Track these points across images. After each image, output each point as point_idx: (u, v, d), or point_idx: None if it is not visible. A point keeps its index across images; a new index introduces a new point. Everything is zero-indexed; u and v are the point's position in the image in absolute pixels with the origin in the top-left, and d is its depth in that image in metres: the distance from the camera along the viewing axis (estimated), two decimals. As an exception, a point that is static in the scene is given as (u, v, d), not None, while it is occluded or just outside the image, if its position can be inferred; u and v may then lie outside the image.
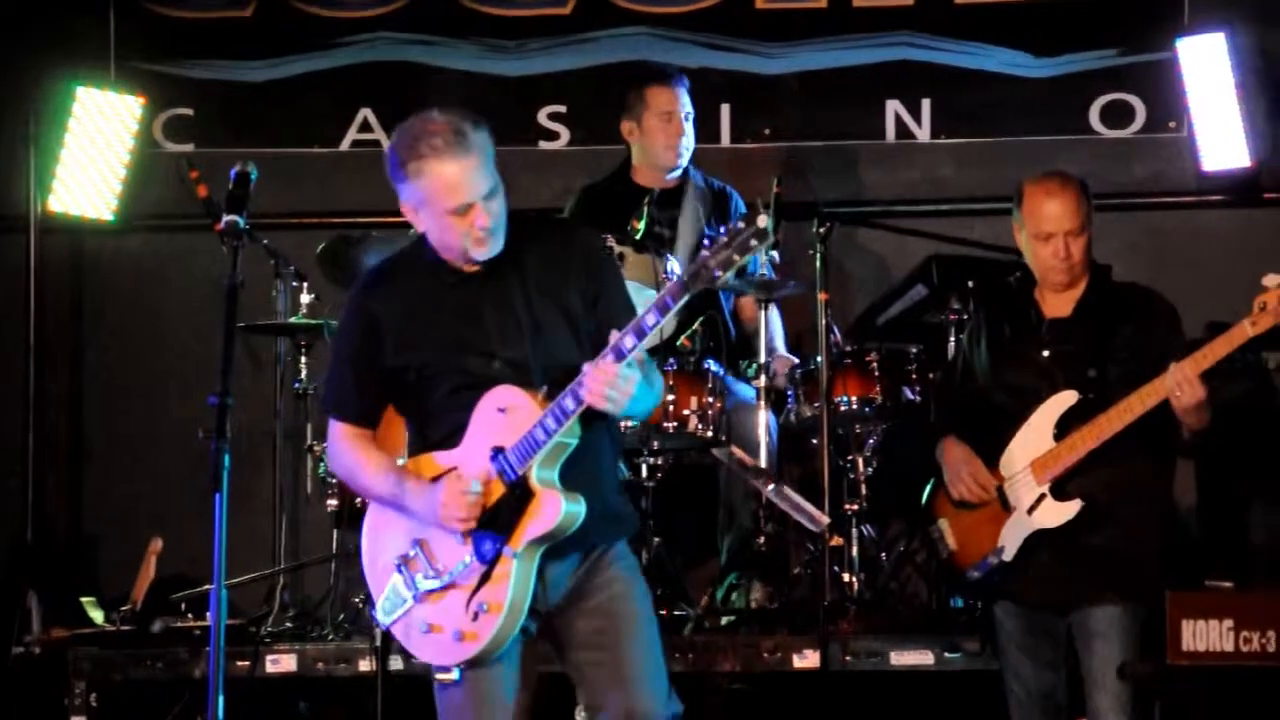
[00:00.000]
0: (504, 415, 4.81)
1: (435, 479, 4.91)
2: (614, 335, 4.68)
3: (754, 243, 4.52)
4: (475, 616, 4.84)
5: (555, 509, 4.76)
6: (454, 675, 4.94)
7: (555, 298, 4.91)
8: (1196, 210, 8.68)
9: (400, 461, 5.07)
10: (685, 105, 7.68)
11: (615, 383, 4.65)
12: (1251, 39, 8.33)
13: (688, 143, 7.72)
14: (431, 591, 4.93)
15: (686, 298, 4.64)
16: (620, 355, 4.66)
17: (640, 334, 4.67)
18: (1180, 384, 5.53)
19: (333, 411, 5.12)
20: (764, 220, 4.51)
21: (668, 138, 7.67)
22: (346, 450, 5.10)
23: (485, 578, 4.83)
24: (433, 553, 4.93)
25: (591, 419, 4.80)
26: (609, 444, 5.05)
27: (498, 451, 4.81)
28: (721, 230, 4.58)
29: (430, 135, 4.77)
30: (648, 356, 4.85)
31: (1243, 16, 8.32)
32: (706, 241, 4.61)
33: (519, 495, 4.79)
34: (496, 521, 4.82)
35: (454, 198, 4.78)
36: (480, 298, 4.91)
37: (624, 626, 4.92)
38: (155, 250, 8.84)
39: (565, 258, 4.96)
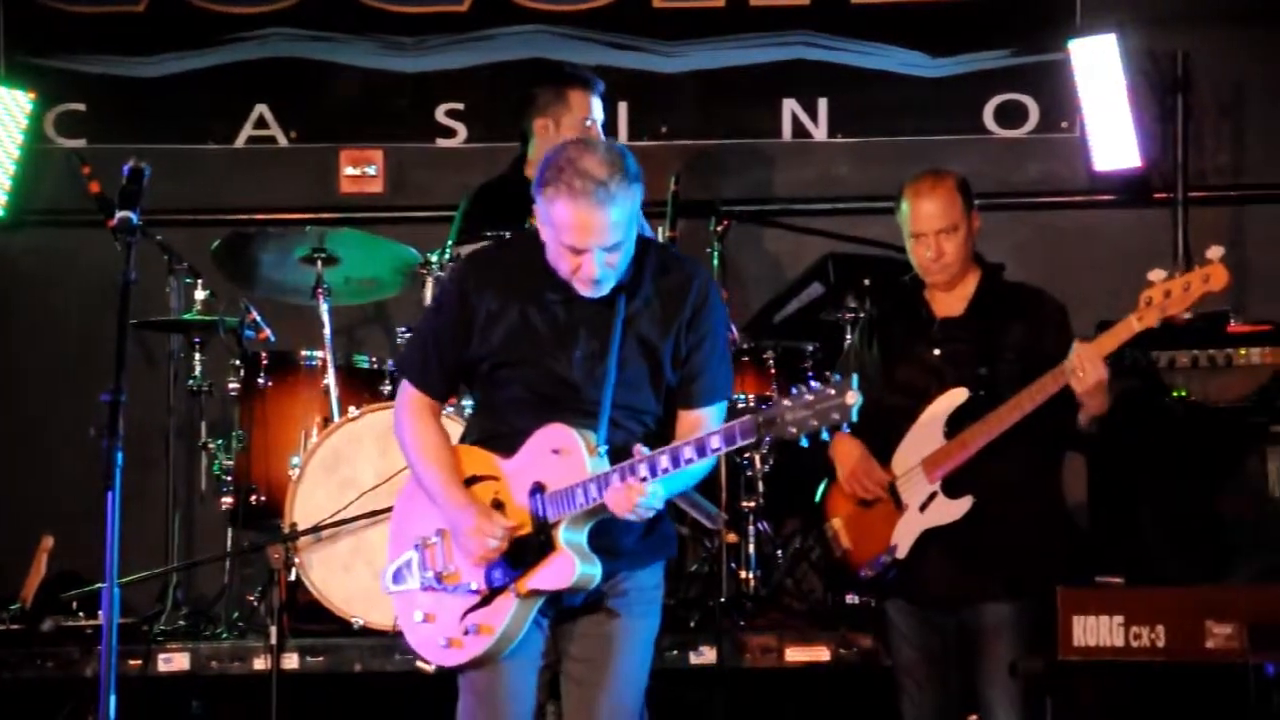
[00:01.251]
0: (556, 457, 4.78)
1: (473, 480, 4.89)
2: (639, 450, 4.64)
3: (836, 417, 4.47)
4: (466, 631, 4.85)
5: (569, 573, 4.75)
6: (430, 669, 4.95)
7: (650, 343, 4.86)
8: (1088, 210, 8.78)
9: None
10: (597, 113, 7.63)
11: (637, 500, 4.64)
12: (1142, 41, 8.43)
13: None
14: (437, 585, 4.92)
15: (754, 440, 4.61)
16: (651, 476, 4.64)
17: (701, 452, 4.63)
18: (1083, 363, 5.55)
19: (409, 376, 5.05)
20: (853, 398, 4.45)
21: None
22: (411, 422, 5.02)
23: (486, 601, 4.84)
24: (451, 550, 4.91)
25: None
26: None
27: (538, 489, 4.79)
28: (811, 387, 4.52)
29: (577, 175, 4.68)
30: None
31: (1133, 19, 8.42)
32: (793, 390, 4.55)
33: (542, 543, 4.77)
34: (514, 555, 4.80)
35: (574, 239, 4.72)
36: (577, 320, 4.86)
37: (611, 664, 4.92)
38: (47, 246, 8.75)
39: (676, 304, 4.88)
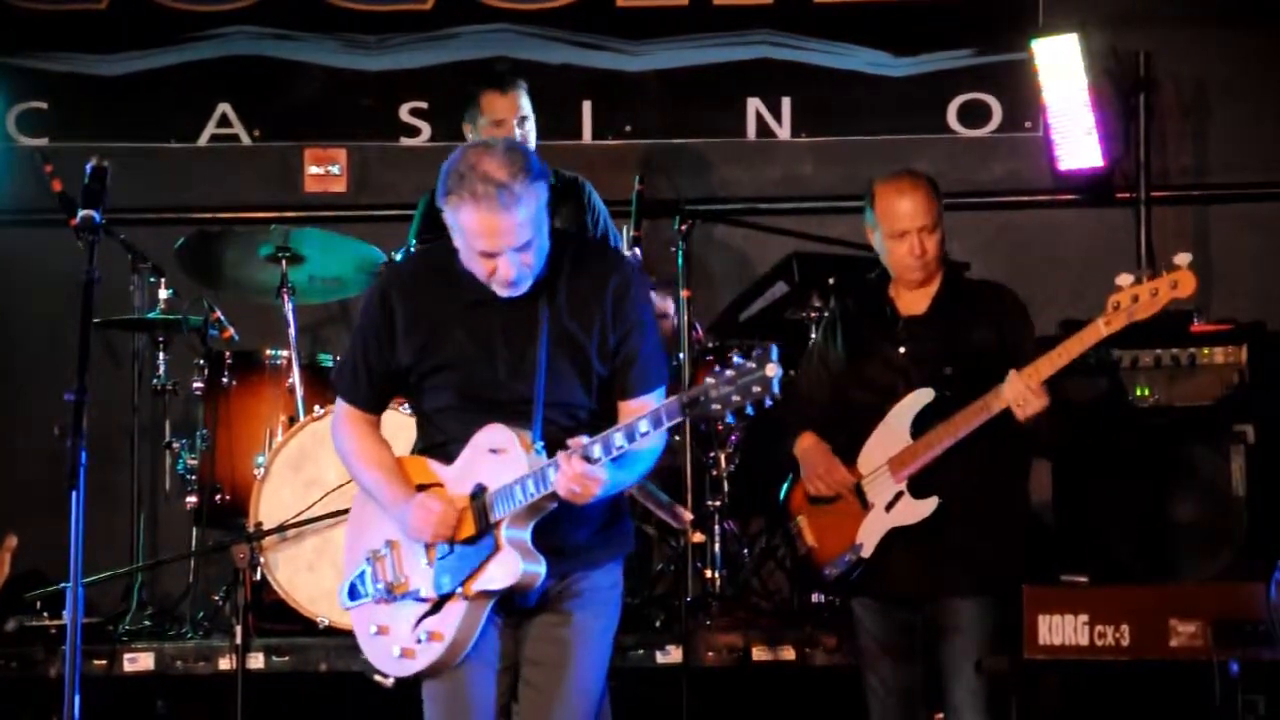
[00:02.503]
0: (495, 456, 4.77)
1: (419, 488, 4.88)
2: (577, 442, 4.62)
3: (757, 389, 4.45)
4: (419, 640, 4.84)
5: (513, 571, 4.73)
6: (389, 683, 4.94)
7: (575, 337, 4.84)
8: (1051, 209, 8.80)
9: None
10: (522, 110, 7.51)
11: (583, 482, 4.61)
12: (1104, 41, 8.45)
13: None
14: (388, 597, 4.92)
15: (681, 420, 4.60)
16: (588, 459, 4.61)
17: (630, 437, 4.60)
18: (1020, 394, 5.59)
19: (340, 393, 5.06)
20: (772, 370, 4.43)
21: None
22: (347, 434, 5.04)
23: (436, 608, 4.83)
24: (400, 558, 4.92)
25: None
26: None
27: (480, 489, 4.78)
28: (734, 364, 4.50)
29: (476, 180, 4.66)
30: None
31: (1095, 18, 8.45)
32: (717, 369, 4.55)
33: (485, 543, 4.76)
34: (460, 557, 4.79)
35: (483, 243, 4.71)
36: (500, 323, 4.85)
37: (565, 668, 4.90)
38: (9, 245, 8.69)
39: (597, 297, 4.86)
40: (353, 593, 5.02)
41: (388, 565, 4.93)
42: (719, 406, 4.50)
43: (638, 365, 4.87)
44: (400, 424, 5.61)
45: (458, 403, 4.88)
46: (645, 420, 4.60)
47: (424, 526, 4.81)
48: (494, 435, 4.79)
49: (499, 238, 4.69)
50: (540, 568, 4.76)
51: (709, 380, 4.51)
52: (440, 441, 4.93)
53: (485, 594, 4.78)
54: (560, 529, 4.81)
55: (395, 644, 4.89)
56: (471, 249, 4.75)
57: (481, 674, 4.90)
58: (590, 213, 7.66)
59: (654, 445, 4.78)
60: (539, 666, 4.91)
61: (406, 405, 5.45)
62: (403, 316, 4.90)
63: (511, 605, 4.88)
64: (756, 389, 4.45)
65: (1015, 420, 5.68)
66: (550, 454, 4.70)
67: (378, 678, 4.98)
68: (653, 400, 4.78)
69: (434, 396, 4.93)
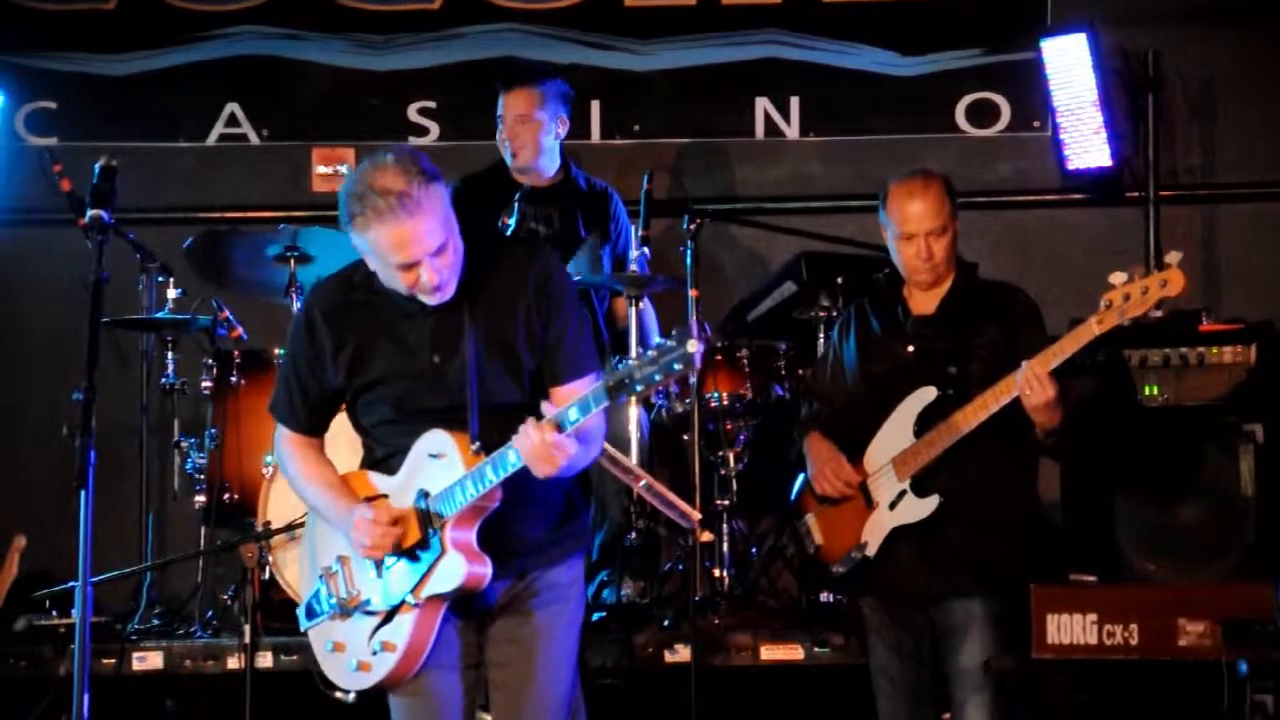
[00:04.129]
0: (436, 461, 4.80)
1: (366, 499, 4.90)
2: (549, 408, 4.64)
3: (678, 367, 4.44)
4: (374, 651, 4.86)
5: (459, 572, 4.75)
6: (350, 699, 4.95)
7: (502, 335, 4.85)
8: (1060, 209, 8.79)
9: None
10: (520, 109, 7.61)
11: (555, 450, 4.62)
12: (1113, 40, 8.45)
13: (528, 145, 7.65)
14: (343, 611, 4.94)
15: (609, 402, 4.59)
16: (560, 426, 4.62)
17: (583, 412, 4.61)
18: (1029, 381, 5.58)
19: (278, 418, 5.09)
20: (693, 346, 4.43)
21: (504, 139, 7.65)
22: (290, 457, 5.09)
23: (388, 618, 4.85)
24: (350, 573, 4.94)
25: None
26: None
27: (423, 495, 4.79)
28: (651, 345, 4.50)
29: (375, 196, 4.67)
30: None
31: (1104, 17, 8.44)
32: (637, 350, 4.59)
33: (432, 547, 4.78)
34: (408, 564, 4.81)
35: (399, 256, 4.71)
36: (425, 334, 4.86)
37: (530, 666, 4.92)
38: (18, 244, 8.71)
39: (517, 289, 4.87)
40: (310, 612, 5.06)
41: (340, 581, 4.96)
42: (643, 386, 4.49)
43: (564, 351, 4.88)
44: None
45: (394, 415, 4.90)
46: (574, 408, 4.61)
47: (366, 538, 4.82)
48: (433, 441, 4.81)
49: (412, 246, 4.69)
50: (486, 569, 4.78)
51: (632, 361, 4.52)
52: (383, 456, 4.95)
53: (435, 599, 4.80)
54: (514, 528, 4.84)
55: (352, 658, 4.92)
56: (389, 266, 4.75)
57: (444, 678, 4.93)
58: (614, 222, 7.74)
59: (593, 426, 4.78)
60: (503, 669, 4.95)
61: None
62: (329, 338, 4.92)
63: (471, 608, 4.90)
64: (678, 366, 4.44)
65: (1019, 419, 5.68)
66: (489, 454, 4.71)
67: (338, 694, 5.00)
68: (584, 386, 4.77)
69: (371, 411, 4.95)
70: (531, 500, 4.85)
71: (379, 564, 4.86)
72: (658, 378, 4.48)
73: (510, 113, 7.66)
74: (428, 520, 4.78)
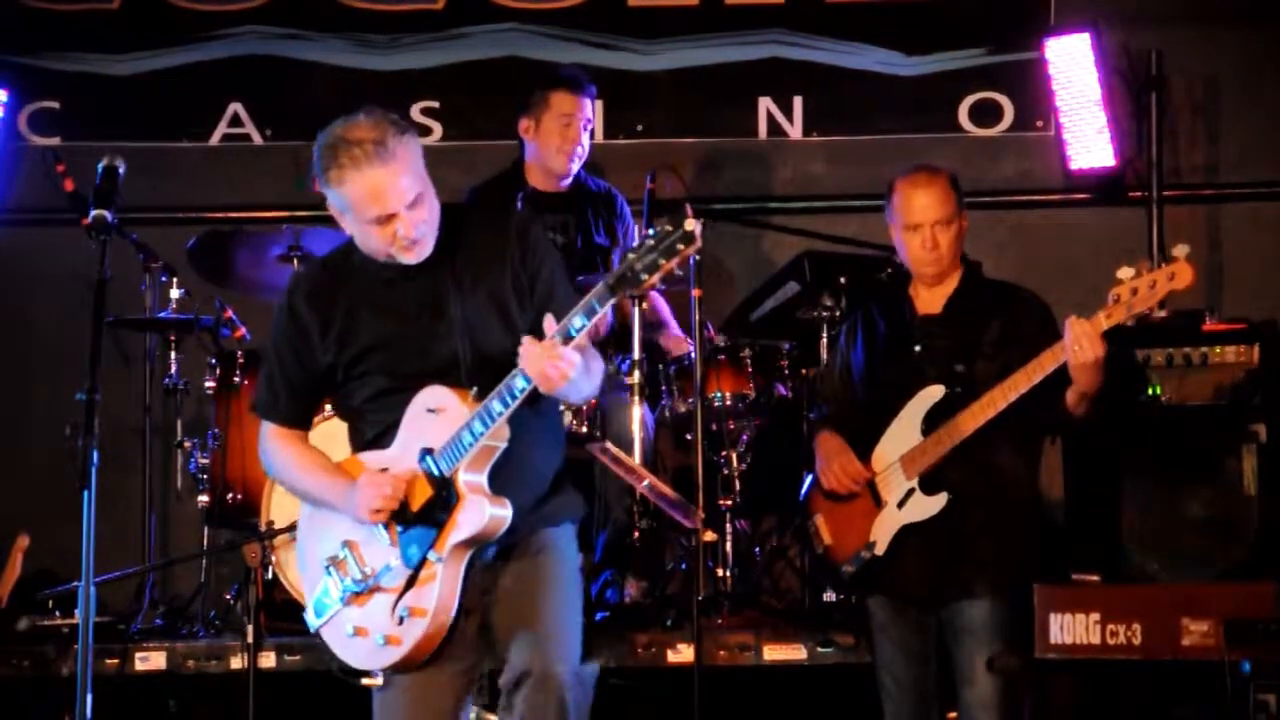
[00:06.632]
0: (434, 416, 4.76)
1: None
2: (550, 322, 4.59)
3: (680, 246, 4.41)
4: (400, 621, 4.80)
5: (480, 514, 4.71)
6: (378, 680, 4.90)
7: (488, 290, 4.85)
8: (1063, 208, 8.80)
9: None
10: (586, 113, 7.63)
11: (555, 361, 4.56)
12: (1116, 39, 8.46)
13: (582, 151, 7.67)
14: (358, 594, 4.89)
15: (613, 301, 4.54)
16: (567, 337, 4.57)
17: (588, 316, 4.56)
18: (1079, 338, 5.52)
19: (262, 413, 5.07)
20: (691, 224, 4.40)
21: (563, 142, 7.59)
22: (277, 451, 5.06)
23: (411, 582, 4.79)
24: (361, 555, 4.89)
25: (524, 415, 4.73)
26: (545, 436, 4.97)
27: (426, 452, 4.76)
28: (649, 232, 4.47)
29: (350, 145, 4.68)
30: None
31: (1107, 17, 8.45)
32: (633, 243, 4.51)
33: (445, 498, 4.73)
34: (423, 525, 4.76)
35: (375, 208, 4.71)
36: (410, 296, 4.85)
37: (540, 586, 4.87)
38: (21, 244, 8.70)
39: (499, 246, 4.88)
40: (319, 609, 5.00)
41: (350, 564, 4.91)
42: (647, 275, 4.46)
43: (559, 296, 4.84)
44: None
45: (387, 384, 4.87)
46: (579, 315, 4.57)
47: (374, 499, 4.77)
48: (430, 396, 4.77)
49: (389, 196, 4.69)
50: (506, 510, 4.74)
51: (630, 255, 4.48)
52: (373, 436, 4.92)
53: (458, 549, 4.74)
54: (509, 490, 4.78)
55: (377, 634, 4.85)
56: (364, 223, 4.74)
57: (432, 677, 4.89)
58: (621, 222, 7.77)
59: (593, 354, 4.79)
60: (510, 597, 4.86)
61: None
62: (313, 318, 4.91)
63: (479, 559, 4.82)
64: (680, 246, 4.42)
65: (1028, 416, 5.68)
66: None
67: (365, 680, 4.95)
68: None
69: (362, 387, 4.92)
70: (524, 468, 4.83)
71: (390, 532, 4.80)
72: (661, 263, 4.44)
73: (581, 116, 7.60)
74: (436, 472, 4.73)
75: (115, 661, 6.84)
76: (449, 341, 4.82)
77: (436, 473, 4.74)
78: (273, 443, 5.07)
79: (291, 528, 6.72)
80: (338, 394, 5.03)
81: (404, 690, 4.91)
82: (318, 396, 5.08)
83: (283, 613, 6.95)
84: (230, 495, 7.32)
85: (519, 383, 4.63)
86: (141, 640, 6.99)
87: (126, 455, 7.86)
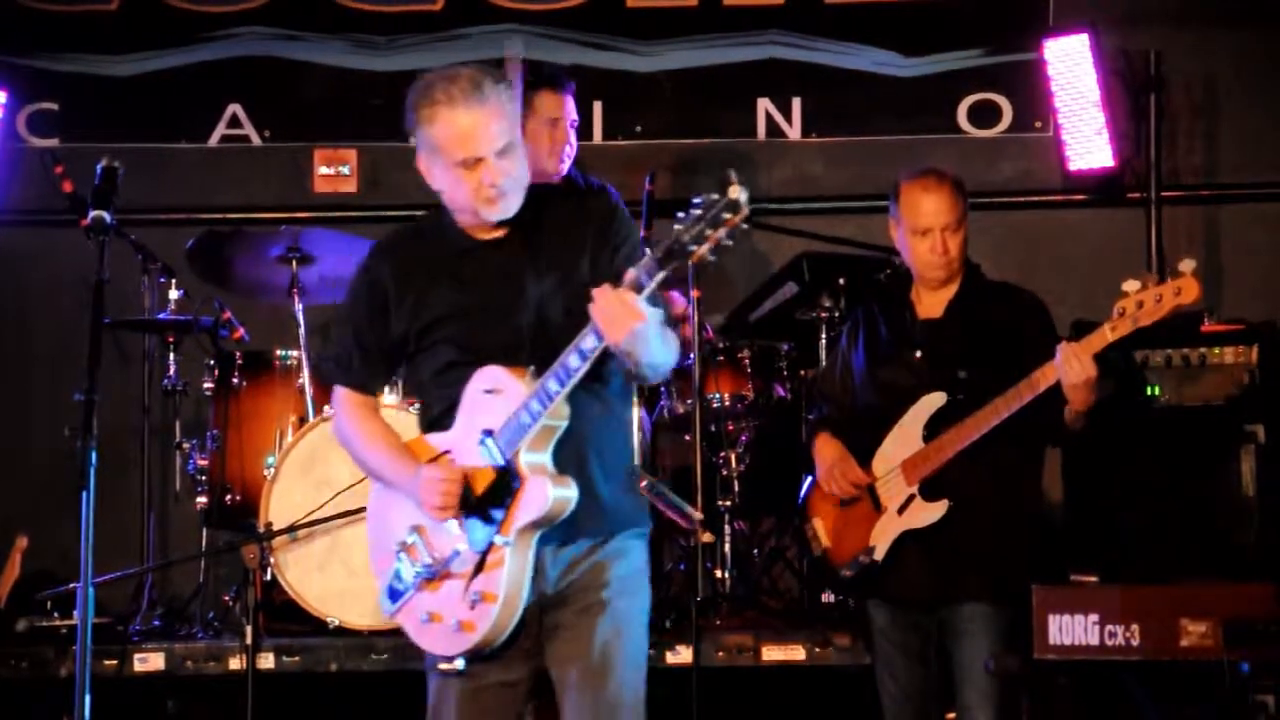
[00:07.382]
0: (492, 397, 4.66)
1: (430, 462, 4.77)
2: (629, 274, 4.44)
3: (727, 215, 4.30)
4: (472, 605, 4.69)
5: (543, 494, 4.59)
6: (459, 665, 4.76)
7: (565, 271, 4.73)
8: (1062, 209, 8.81)
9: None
10: (571, 112, 7.59)
11: (624, 310, 4.40)
12: (1114, 40, 8.46)
13: (570, 149, 7.65)
14: (430, 579, 4.78)
15: (662, 275, 4.41)
16: (639, 288, 4.42)
17: (651, 275, 4.41)
18: (1070, 360, 5.52)
19: (335, 378, 4.96)
20: (736, 191, 4.29)
21: (553, 144, 7.53)
22: (346, 418, 4.95)
23: (480, 567, 4.68)
24: (430, 540, 4.78)
25: (582, 399, 4.65)
26: (605, 428, 4.83)
27: (486, 434, 4.65)
28: (695, 203, 4.35)
29: (447, 83, 4.62)
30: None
31: (1105, 18, 8.45)
32: (680, 215, 4.39)
33: (508, 481, 4.63)
34: (488, 508, 4.67)
35: (464, 148, 4.62)
36: (486, 269, 4.77)
37: (600, 667, 4.72)
38: (20, 246, 8.71)
39: (580, 224, 4.78)
40: (393, 594, 4.87)
41: (420, 550, 4.79)
42: (695, 246, 4.35)
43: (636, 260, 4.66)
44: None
45: (458, 356, 4.77)
46: (640, 271, 4.42)
47: (434, 496, 4.69)
48: (486, 378, 4.68)
49: (478, 138, 4.62)
50: (571, 491, 4.62)
51: (677, 227, 4.36)
52: (439, 412, 4.81)
53: (525, 531, 4.63)
54: (583, 477, 4.67)
55: (451, 619, 4.73)
56: (452, 166, 4.67)
57: (502, 674, 4.79)
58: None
59: (673, 342, 4.68)
60: (568, 672, 4.74)
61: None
62: (391, 283, 4.83)
63: (541, 586, 4.71)
64: (727, 215, 4.32)
65: (1027, 423, 5.68)
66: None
67: (443, 666, 4.85)
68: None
69: (433, 358, 4.83)
70: (600, 446, 4.73)
71: (461, 517, 4.71)
72: (709, 233, 4.33)
73: (566, 115, 7.53)
74: (498, 455, 4.63)
75: (114, 662, 6.83)
76: (521, 316, 4.72)
77: (498, 455, 4.64)
78: (344, 410, 4.96)
79: (290, 529, 6.75)
80: (408, 366, 4.93)
81: (464, 681, 4.79)
82: (388, 364, 4.95)
83: (281, 614, 6.95)
84: (229, 496, 7.32)
85: (589, 341, 4.50)
86: (140, 641, 6.99)
87: (125, 456, 7.86)
